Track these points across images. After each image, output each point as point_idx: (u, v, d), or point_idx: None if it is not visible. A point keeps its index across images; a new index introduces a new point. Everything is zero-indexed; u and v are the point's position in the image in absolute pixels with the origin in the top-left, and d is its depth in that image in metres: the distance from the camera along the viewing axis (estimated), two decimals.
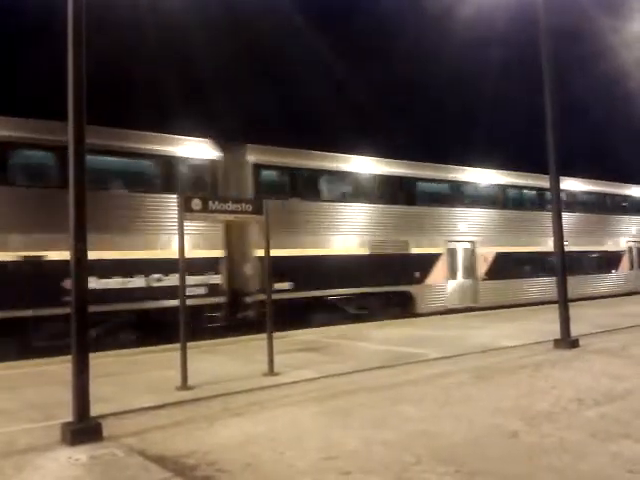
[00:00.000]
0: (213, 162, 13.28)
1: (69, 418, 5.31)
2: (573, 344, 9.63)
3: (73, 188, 5.55)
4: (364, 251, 15.42)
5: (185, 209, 7.70)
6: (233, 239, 13.37)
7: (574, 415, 5.68)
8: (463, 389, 6.93)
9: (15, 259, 10.62)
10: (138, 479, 4.39)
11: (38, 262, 10.75)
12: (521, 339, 10.62)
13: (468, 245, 18.04)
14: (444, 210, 17.55)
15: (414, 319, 15.14)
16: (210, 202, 8.03)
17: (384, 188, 16.24)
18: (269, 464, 4.57)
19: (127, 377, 8.29)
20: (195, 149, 13.17)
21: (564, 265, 10.31)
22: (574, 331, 9.89)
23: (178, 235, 7.73)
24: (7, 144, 10.90)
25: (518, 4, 13.05)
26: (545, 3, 10.26)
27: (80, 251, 5.50)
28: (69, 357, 5.45)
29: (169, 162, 12.74)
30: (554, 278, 11.02)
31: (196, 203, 7.84)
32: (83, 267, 5.52)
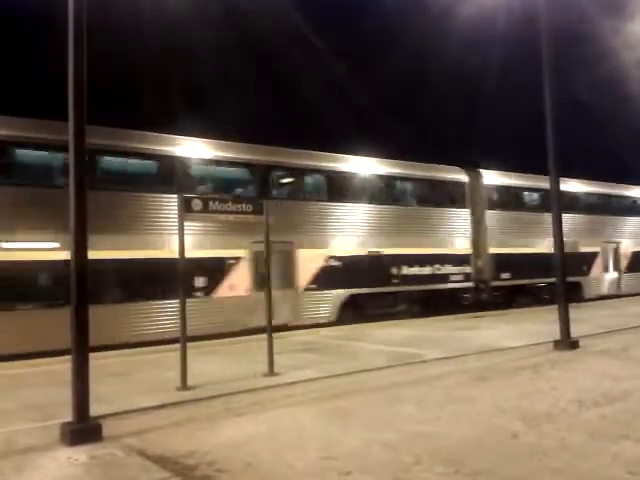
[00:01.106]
0: (463, 183, 18.29)
1: (69, 418, 5.31)
2: (573, 345, 9.63)
3: (74, 189, 5.53)
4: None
5: (185, 209, 7.71)
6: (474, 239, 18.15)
7: (574, 416, 5.67)
8: (463, 390, 6.92)
9: (364, 254, 15.44)
10: (138, 479, 4.39)
11: (378, 256, 15.70)
12: (521, 340, 10.61)
13: (615, 245, 22.14)
14: (600, 217, 21.87)
15: (415, 320, 15.12)
16: (210, 202, 8.04)
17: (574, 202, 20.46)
18: (269, 464, 4.57)
19: (127, 377, 8.29)
20: (453, 174, 18.31)
21: (564, 266, 10.32)
22: (574, 332, 9.88)
23: (178, 236, 7.71)
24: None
25: (520, 4, 13.06)
26: (547, 3, 10.27)
27: (81, 250, 5.48)
28: (68, 357, 5.45)
29: (435, 183, 17.86)
30: None
31: (196, 203, 7.85)
32: (84, 267, 5.49)
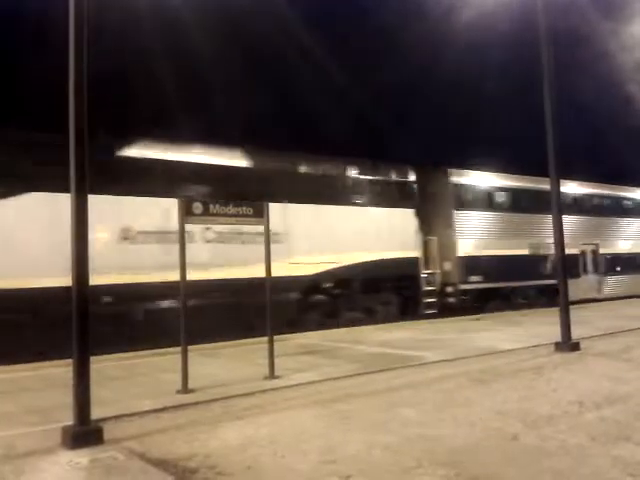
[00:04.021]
0: None
1: (70, 421, 5.31)
2: (574, 347, 9.63)
3: (74, 191, 5.54)
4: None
5: (186, 213, 7.71)
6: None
7: (575, 418, 5.67)
8: (464, 392, 6.92)
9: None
10: None
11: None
12: (522, 342, 10.62)
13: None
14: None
15: (417, 322, 15.11)
16: (211, 206, 8.04)
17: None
18: (270, 467, 4.57)
19: (128, 380, 8.29)
20: None
21: (565, 268, 10.32)
22: (575, 334, 9.89)
23: (179, 238, 7.70)
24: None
25: (519, 6, 13.08)
26: (545, 5, 10.29)
27: (81, 252, 5.49)
28: (69, 360, 5.46)
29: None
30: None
31: (197, 207, 7.85)
32: (84, 269, 5.50)
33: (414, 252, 15.99)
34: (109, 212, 11.33)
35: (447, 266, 17.04)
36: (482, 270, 17.41)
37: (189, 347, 7.58)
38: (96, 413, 5.46)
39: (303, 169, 14.64)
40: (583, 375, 7.71)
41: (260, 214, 8.30)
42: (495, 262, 17.68)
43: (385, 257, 15.09)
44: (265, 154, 14.20)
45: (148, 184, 12.03)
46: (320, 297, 14.28)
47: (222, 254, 12.53)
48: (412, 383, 7.54)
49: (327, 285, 14.35)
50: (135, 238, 11.79)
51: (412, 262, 15.87)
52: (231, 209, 8.14)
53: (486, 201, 18.14)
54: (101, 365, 8.49)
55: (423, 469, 4.41)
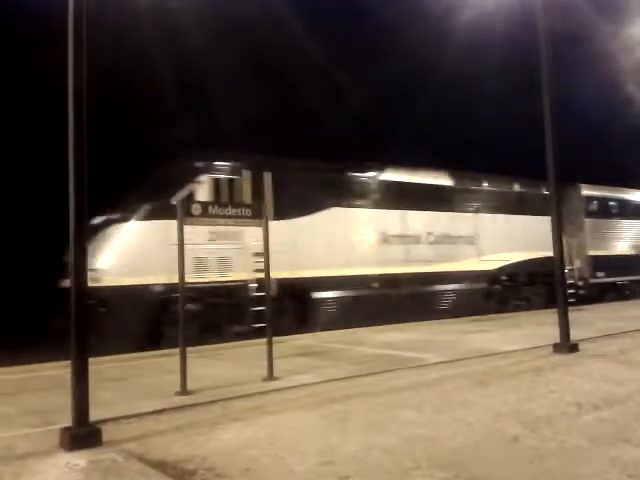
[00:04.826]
0: None
1: (68, 423, 5.31)
2: (572, 348, 9.63)
3: (73, 194, 5.53)
4: None
5: (185, 214, 7.71)
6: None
7: (573, 419, 5.67)
8: (462, 393, 6.92)
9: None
10: None
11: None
12: (520, 343, 10.62)
13: None
14: None
15: (415, 324, 15.12)
16: (210, 207, 8.05)
17: None
18: (268, 469, 4.57)
19: (126, 382, 8.29)
20: None
21: (563, 269, 10.34)
22: (574, 335, 9.89)
23: (178, 239, 7.70)
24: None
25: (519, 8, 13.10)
26: (544, 6, 10.31)
27: (79, 253, 5.48)
28: (68, 362, 5.46)
29: None
30: None
31: (196, 208, 7.85)
32: (82, 270, 5.50)
33: None
34: (374, 221, 15.67)
35: (579, 264, 20.41)
36: (605, 267, 21.02)
37: (187, 349, 7.58)
38: (95, 415, 5.45)
39: (484, 186, 18.80)
40: (582, 376, 7.71)
41: (259, 215, 8.31)
42: (614, 261, 21.39)
43: (537, 256, 18.47)
44: (458, 175, 18.26)
45: (395, 200, 16.20)
46: (497, 287, 18.15)
47: (437, 253, 16.69)
48: (412, 384, 7.53)
49: (501, 278, 18.22)
50: (389, 240, 15.92)
51: None
52: (230, 210, 8.15)
53: (606, 210, 22.00)
54: (100, 367, 8.49)
55: (422, 470, 4.41)
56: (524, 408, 6.11)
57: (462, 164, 19.63)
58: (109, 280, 11.50)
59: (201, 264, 12.39)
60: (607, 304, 19.88)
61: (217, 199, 12.20)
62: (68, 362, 5.46)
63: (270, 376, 8.02)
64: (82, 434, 5.21)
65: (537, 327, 12.95)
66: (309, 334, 13.16)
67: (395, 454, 4.79)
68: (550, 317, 11.04)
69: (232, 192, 12.81)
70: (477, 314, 16.11)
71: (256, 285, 12.58)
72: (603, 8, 21.37)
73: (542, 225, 17.98)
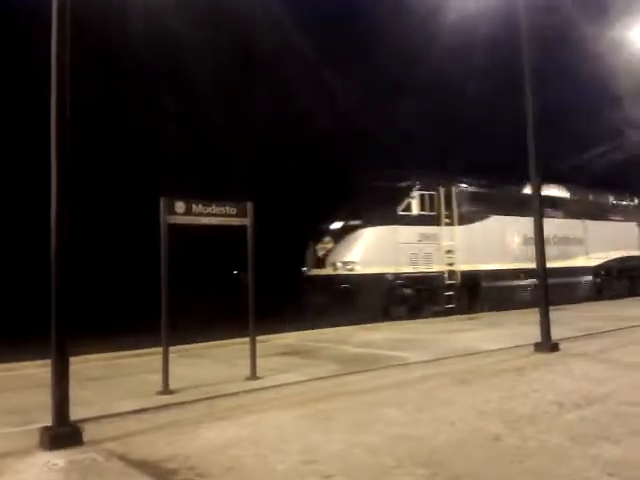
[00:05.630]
0: None
1: (48, 422, 5.24)
2: (553, 348, 9.71)
3: (55, 189, 5.45)
4: None
5: (168, 212, 7.65)
6: None
7: (555, 418, 5.72)
8: (445, 392, 6.96)
9: None
10: None
11: None
12: (502, 342, 10.69)
13: None
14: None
15: (398, 323, 15.18)
16: (194, 205, 7.98)
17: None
18: (251, 468, 4.55)
19: (108, 381, 8.21)
20: None
21: (544, 270, 10.42)
22: (555, 335, 9.98)
23: (162, 237, 7.64)
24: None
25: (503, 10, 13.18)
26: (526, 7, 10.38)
27: (62, 250, 5.41)
28: (48, 361, 5.39)
29: None
30: None
31: (179, 206, 7.79)
32: (65, 269, 5.43)
33: None
34: (520, 226, 18.22)
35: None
36: None
37: (170, 348, 7.54)
38: (76, 414, 5.39)
39: (590, 197, 23.39)
40: (563, 376, 7.79)
41: (243, 214, 8.27)
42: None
43: (623, 255, 23.38)
44: (571, 188, 22.60)
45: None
46: (597, 280, 22.32)
47: (560, 251, 19.98)
48: (394, 383, 7.55)
49: (600, 272, 22.45)
50: (529, 242, 16.85)
51: None
52: (214, 209, 8.10)
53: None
54: (81, 365, 8.39)
55: (403, 469, 4.42)
56: (506, 407, 6.15)
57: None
58: (358, 270, 15.72)
59: (414, 259, 16.59)
60: (586, 304, 20.11)
61: (422, 209, 17.02)
62: (48, 361, 5.39)
63: (253, 375, 7.99)
64: (62, 433, 5.15)
65: (519, 326, 13.04)
66: (292, 333, 13.15)
67: (378, 453, 4.79)
68: (531, 316, 11.12)
69: (432, 203, 17.23)
70: (584, 301, 20.39)
71: (446, 275, 17.13)
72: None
73: (632, 230, 24.57)
